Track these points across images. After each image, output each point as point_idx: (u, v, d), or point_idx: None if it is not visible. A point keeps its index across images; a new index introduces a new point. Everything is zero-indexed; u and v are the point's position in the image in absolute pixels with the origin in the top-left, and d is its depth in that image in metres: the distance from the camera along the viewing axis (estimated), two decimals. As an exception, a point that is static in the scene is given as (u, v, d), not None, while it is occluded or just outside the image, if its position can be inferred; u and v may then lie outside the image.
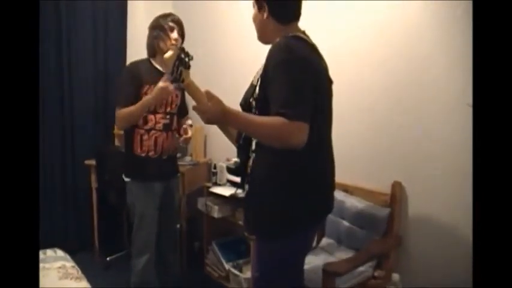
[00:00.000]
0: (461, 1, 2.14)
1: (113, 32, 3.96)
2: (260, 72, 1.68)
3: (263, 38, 1.82)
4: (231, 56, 3.64)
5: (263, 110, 1.58)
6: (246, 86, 1.80)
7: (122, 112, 2.48)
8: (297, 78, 1.53)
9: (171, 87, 2.37)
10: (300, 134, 1.47)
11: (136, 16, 4.03)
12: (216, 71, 3.75)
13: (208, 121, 1.57)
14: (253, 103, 1.69)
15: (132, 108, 2.46)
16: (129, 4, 4.05)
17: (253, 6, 1.80)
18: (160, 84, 2.40)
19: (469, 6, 2.08)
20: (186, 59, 1.83)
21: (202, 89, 1.68)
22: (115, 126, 3.66)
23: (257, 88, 1.68)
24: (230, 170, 1.70)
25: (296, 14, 1.77)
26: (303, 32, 1.76)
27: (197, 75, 2.04)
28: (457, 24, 2.20)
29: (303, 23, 1.80)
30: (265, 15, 1.74)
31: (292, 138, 1.46)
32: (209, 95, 1.53)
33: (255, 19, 1.81)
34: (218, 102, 1.52)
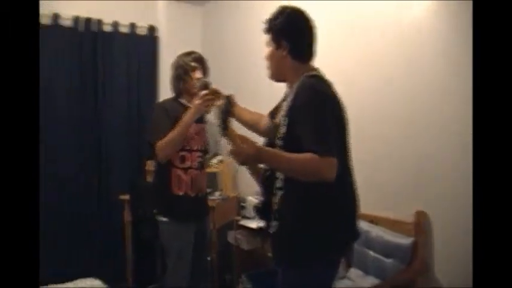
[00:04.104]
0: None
1: (144, 67, 4.30)
2: (284, 112, 1.77)
3: (278, 75, 1.89)
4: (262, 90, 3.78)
5: (290, 148, 1.66)
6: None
7: (163, 141, 2.43)
8: (324, 116, 1.66)
9: (204, 105, 2.33)
10: (330, 169, 1.58)
11: (166, 52, 4.24)
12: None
13: (243, 162, 1.69)
14: (279, 142, 1.76)
15: (171, 133, 2.42)
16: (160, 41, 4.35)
17: (268, 45, 1.87)
18: (196, 102, 2.36)
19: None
20: (230, 107, 1.99)
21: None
22: (148, 162, 3.82)
23: (283, 127, 1.76)
24: (258, 210, 1.77)
25: (312, 52, 1.86)
26: (317, 70, 1.85)
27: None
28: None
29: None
30: (284, 53, 1.81)
31: (323, 172, 1.57)
32: (242, 138, 1.66)
33: (270, 57, 1.87)
34: (252, 143, 1.64)
